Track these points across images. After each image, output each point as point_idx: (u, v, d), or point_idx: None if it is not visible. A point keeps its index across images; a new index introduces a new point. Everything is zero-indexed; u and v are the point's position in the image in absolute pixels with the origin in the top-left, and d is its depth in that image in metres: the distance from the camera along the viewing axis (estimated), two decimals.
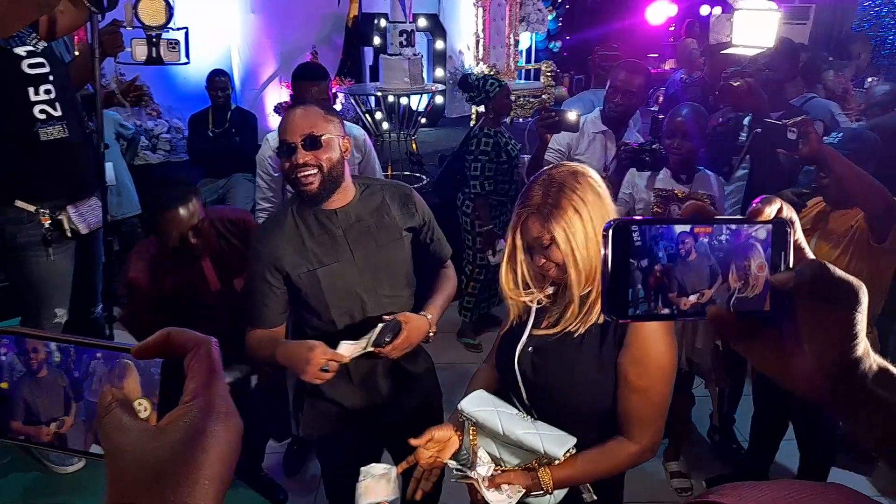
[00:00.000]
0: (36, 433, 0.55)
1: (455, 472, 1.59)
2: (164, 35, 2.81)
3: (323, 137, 1.77)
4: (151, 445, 0.46)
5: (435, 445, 1.62)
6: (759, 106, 2.77)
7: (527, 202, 1.47)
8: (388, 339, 1.77)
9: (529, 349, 1.58)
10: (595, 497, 1.59)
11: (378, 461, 2.13)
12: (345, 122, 2.95)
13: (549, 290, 1.58)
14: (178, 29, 2.72)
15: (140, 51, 2.78)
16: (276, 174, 2.80)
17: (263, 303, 1.87)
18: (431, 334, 1.91)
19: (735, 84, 2.73)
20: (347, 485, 2.12)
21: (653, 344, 1.47)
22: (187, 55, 2.94)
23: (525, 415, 1.58)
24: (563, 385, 1.53)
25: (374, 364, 1.92)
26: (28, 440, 0.56)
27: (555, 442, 1.48)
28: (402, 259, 1.95)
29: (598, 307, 1.47)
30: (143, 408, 0.52)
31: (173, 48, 2.84)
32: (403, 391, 2.02)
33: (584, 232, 1.42)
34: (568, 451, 1.48)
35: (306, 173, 1.76)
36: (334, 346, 1.77)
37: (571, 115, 2.46)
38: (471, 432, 1.58)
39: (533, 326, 1.59)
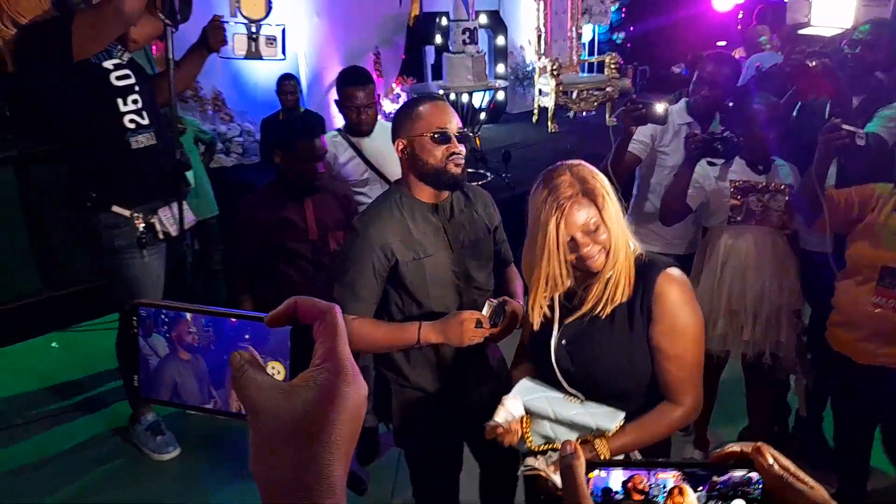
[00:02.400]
0: (209, 391, 0.58)
1: (522, 467, 1.68)
2: (263, 31, 2.95)
3: (467, 135, 1.94)
4: (287, 403, 0.49)
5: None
6: (836, 90, 2.63)
7: (563, 194, 1.54)
8: (499, 320, 1.86)
9: (563, 342, 1.67)
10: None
11: (460, 449, 2.20)
12: (386, 121, 3.03)
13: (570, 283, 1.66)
14: (276, 25, 2.85)
15: (240, 46, 2.94)
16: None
17: (366, 289, 1.93)
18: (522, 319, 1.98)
19: (811, 64, 2.60)
20: (432, 471, 2.19)
21: (680, 312, 1.59)
22: (283, 52, 3.07)
23: (573, 398, 1.67)
24: (602, 368, 1.63)
25: (456, 351, 1.98)
26: (177, 406, 0.59)
27: (605, 417, 1.59)
28: (488, 253, 2.07)
29: (620, 287, 1.58)
30: (276, 371, 0.54)
31: (271, 44, 2.99)
32: (483, 378, 2.10)
33: (615, 213, 1.57)
34: (618, 424, 1.58)
35: (459, 162, 1.90)
36: None
37: (659, 107, 2.43)
38: (524, 421, 1.67)
39: (560, 318, 1.67)
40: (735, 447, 0.59)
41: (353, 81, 2.92)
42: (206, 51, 2.73)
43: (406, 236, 1.93)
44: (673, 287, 1.59)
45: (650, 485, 0.60)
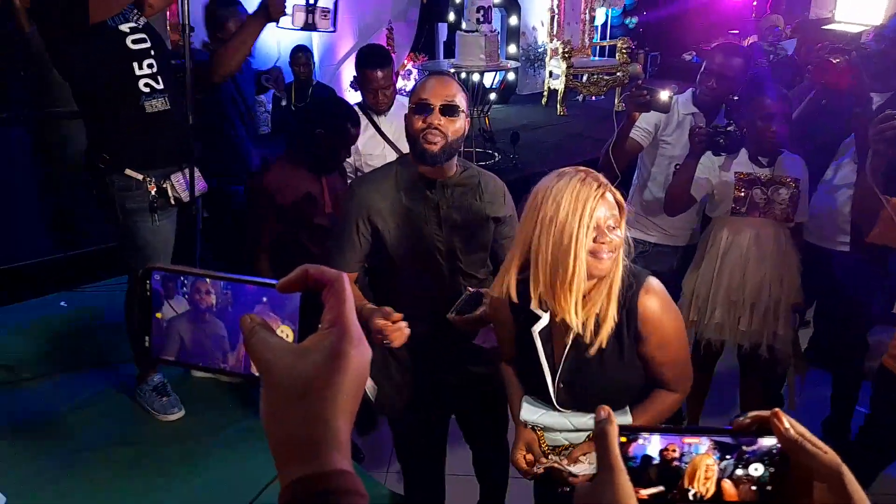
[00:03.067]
0: (221, 352, 0.60)
1: (536, 464, 1.74)
2: (319, 3, 3.02)
3: (459, 109, 1.88)
4: (299, 363, 0.52)
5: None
6: (858, 88, 2.58)
7: (596, 181, 1.54)
8: (467, 309, 1.86)
9: (561, 385, 1.68)
10: None
11: (446, 427, 2.26)
12: (397, 96, 3.05)
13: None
14: None
15: (299, 18, 3.01)
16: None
17: (349, 248, 1.96)
18: None
19: (834, 61, 2.54)
20: (418, 450, 2.25)
21: (665, 322, 1.63)
22: (334, 24, 3.15)
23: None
24: (602, 400, 1.62)
25: (442, 333, 2.00)
26: (187, 366, 0.62)
27: (617, 415, 1.61)
28: (482, 242, 2.03)
29: (611, 310, 1.57)
30: (286, 334, 0.57)
31: (325, 16, 3.06)
32: (468, 362, 2.11)
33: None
34: (628, 416, 1.68)
35: (435, 135, 1.85)
36: (411, 305, 1.84)
37: (664, 95, 2.39)
38: (539, 435, 1.74)
39: (549, 361, 1.67)
40: (753, 414, 0.63)
41: (372, 63, 2.93)
42: (266, 20, 2.73)
43: (394, 203, 1.93)
44: (652, 303, 1.61)
45: (682, 452, 0.62)
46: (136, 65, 2.46)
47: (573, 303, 1.52)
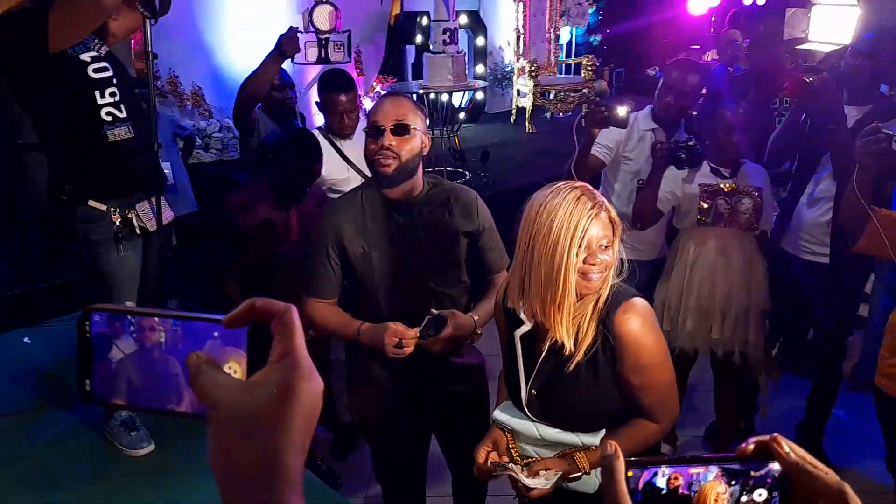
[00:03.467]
0: (165, 392, 0.58)
1: (497, 467, 1.70)
2: (332, 38, 3.13)
3: (411, 128, 1.88)
4: (246, 399, 0.51)
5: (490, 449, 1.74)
6: (832, 104, 2.62)
7: (591, 201, 1.52)
8: (430, 333, 1.86)
9: (533, 392, 1.66)
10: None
11: (426, 446, 2.24)
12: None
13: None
14: (343, 32, 3.05)
15: (312, 53, 3.13)
16: None
17: (323, 274, 1.99)
18: (478, 334, 1.99)
19: (808, 80, 2.58)
20: (397, 468, 2.22)
21: (642, 347, 1.57)
22: (349, 55, 3.27)
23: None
24: (573, 415, 1.64)
25: (421, 351, 1.99)
26: (131, 408, 0.60)
27: (588, 435, 1.61)
28: (452, 258, 2.02)
29: (588, 326, 1.57)
30: (234, 370, 0.56)
31: (338, 49, 3.16)
32: (448, 380, 2.10)
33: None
34: (601, 437, 1.62)
35: (387, 157, 1.86)
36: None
37: (621, 111, 2.41)
38: (508, 438, 1.71)
39: (525, 369, 1.67)
40: (755, 440, 0.62)
41: (335, 87, 2.93)
42: (281, 57, 2.85)
43: (360, 227, 1.94)
44: (631, 323, 1.56)
45: (689, 481, 0.62)
46: (97, 93, 2.43)
47: (564, 320, 1.52)
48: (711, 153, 2.67)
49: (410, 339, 1.84)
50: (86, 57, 2.41)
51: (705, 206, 2.66)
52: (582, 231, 1.48)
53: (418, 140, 1.91)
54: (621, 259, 1.59)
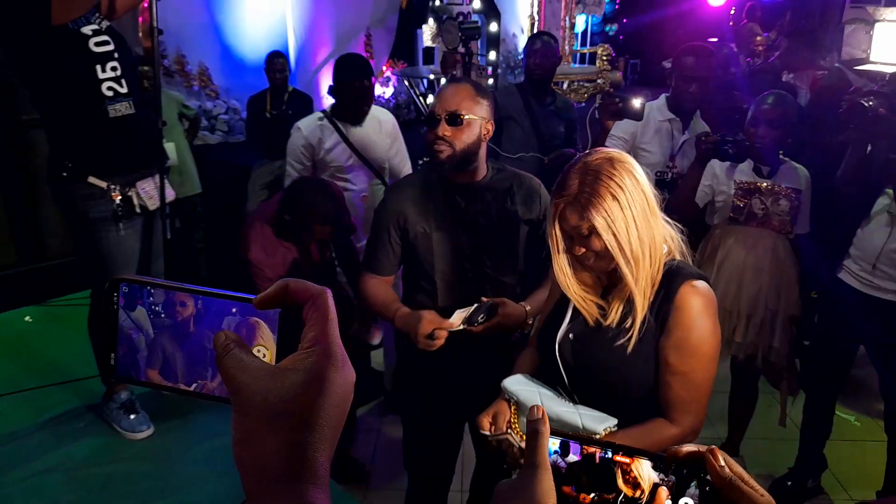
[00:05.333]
0: (190, 372, 0.56)
1: (490, 435, 1.64)
2: None
3: (465, 118, 1.88)
4: (273, 385, 0.48)
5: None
6: (890, 135, 2.44)
7: (563, 192, 1.45)
8: (480, 320, 1.84)
9: (570, 336, 1.59)
10: None
11: (460, 439, 2.22)
12: (373, 106, 2.99)
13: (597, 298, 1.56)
14: None
15: None
16: (308, 164, 2.85)
17: (382, 252, 2.03)
18: (528, 323, 1.97)
19: (868, 104, 2.41)
20: (427, 458, 2.22)
21: (695, 328, 1.47)
22: None
23: (566, 398, 1.59)
24: (605, 371, 1.54)
25: (469, 339, 1.98)
26: (155, 386, 0.56)
27: (594, 420, 1.50)
28: (511, 246, 2.02)
29: (641, 303, 1.47)
30: (262, 354, 0.53)
31: None
32: (491, 370, 2.05)
33: (623, 218, 1.41)
34: (607, 428, 1.49)
35: (441, 146, 1.88)
36: (441, 308, 1.92)
37: (636, 102, 2.37)
38: (512, 410, 1.63)
39: (573, 312, 1.60)
40: (691, 447, 0.60)
41: (353, 75, 2.86)
42: None
43: (422, 208, 1.97)
44: (695, 300, 1.47)
45: (604, 457, 0.61)
46: (98, 68, 2.37)
47: (577, 295, 1.53)
48: (752, 149, 2.56)
49: (443, 332, 1.82)
50: (87, 30, 2.35)
51: (739, 204, 2.57)
52: (553, 214, 1.48)
53: (475, 128, 1.90)
54: (681, 233, 1.53)
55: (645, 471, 0.60)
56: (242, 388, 0.48)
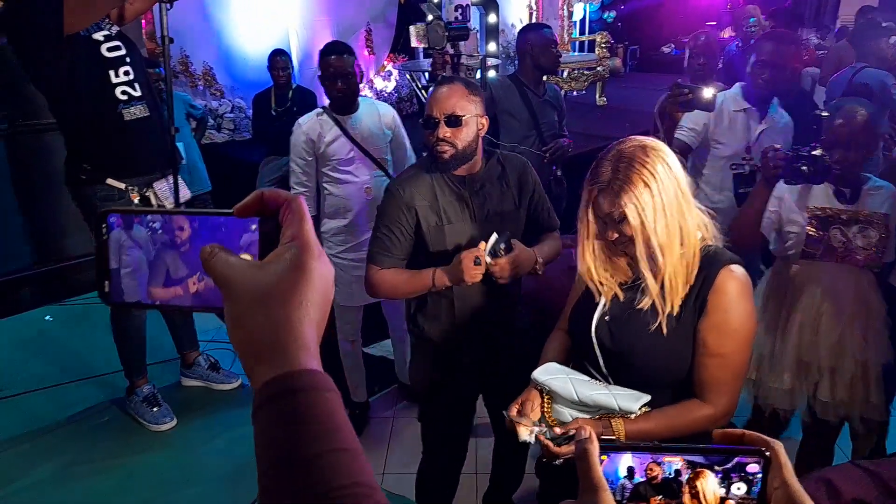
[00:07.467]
0: (182, 289, 0.59)
1: (530, 432, 1.62)
2: None
3: (463, 118, 1.98)
4: (259, 274, 0.53)
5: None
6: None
7: (596, 178, 1.48)
8: (500, 249, 1.94)
9: (606, 318, 1.60)
10: None
11: (472, 411, 2.32)
12: (373, 100, 3.05)
13: (625, 278, 1.59)
14: None
15: None
16: (310, 158, 2.91)
17: (394, 245, 2.07)
18: (539, 266, 2.06)
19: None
20: (445, 431, 2.31)
21: (734, 310, 1.48)
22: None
23: (598, 380, 1.60)
24: (642, 352, 1.54)
25: (482, 313, 2.12)
26: (161, 306, 0.59)
27: (629, 399, 1.51)
28: (516, 227, 2.13)
29: (678, 287, 1.48)
30: (247, 258, 0.57)
31: None
32: (505, 344, 2.22)
33: (653, 205, 1.42)
34: (642, 406, 1.50)
35: (443, 146, 1.98)
36: (452, 299, 2.09)
37: (706, 93, 2.21)
38: (545, 400, 1.62)
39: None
40: (748, 432, 0.62)
41: (327, 51, 2.92)
42: None
43: (432, 202, 2.05)
44: (733, 284, 1.49)
45: (664, 470, 0.62)
46: (112, 73, 2.44)
47: (597, 281, 1.57)
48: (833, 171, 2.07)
49: (483, 253, 1.91)
50: (98, 36, 2.42)
51: (815, 236, 2.15)
52: (587, 200, 1.50)
53: (473, 126, 2.00)
54: (713, 216, 1.53)
55: (710, 485, 0.61)
56: (230, 280, 0.53)
